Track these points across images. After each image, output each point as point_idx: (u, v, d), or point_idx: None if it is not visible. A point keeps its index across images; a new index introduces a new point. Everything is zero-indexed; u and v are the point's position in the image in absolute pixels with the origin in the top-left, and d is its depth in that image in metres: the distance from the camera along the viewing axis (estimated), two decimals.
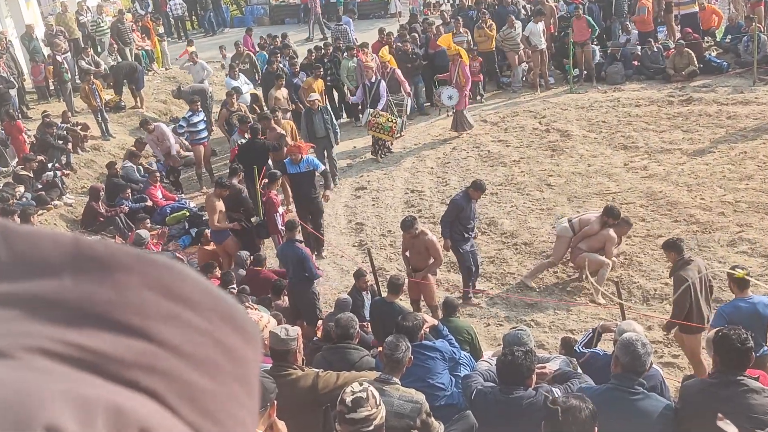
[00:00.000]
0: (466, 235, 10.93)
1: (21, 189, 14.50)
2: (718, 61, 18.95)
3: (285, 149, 13.74)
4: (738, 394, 4.78)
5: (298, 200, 13.25)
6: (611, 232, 10.77)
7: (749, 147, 14.33)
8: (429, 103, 19.44)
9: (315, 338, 8.84)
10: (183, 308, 0.64)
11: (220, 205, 12.21)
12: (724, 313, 7.37)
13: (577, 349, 6.60)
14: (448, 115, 17.66)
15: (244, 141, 14.40)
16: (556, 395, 4.97)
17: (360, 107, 18.24)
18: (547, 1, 21.04)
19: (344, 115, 19.86)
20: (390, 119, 16.35)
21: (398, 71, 17.62)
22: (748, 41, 18.40)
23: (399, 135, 17.06)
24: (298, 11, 31.11)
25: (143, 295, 0.64)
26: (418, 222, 10.46)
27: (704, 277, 8.30)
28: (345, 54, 19.71)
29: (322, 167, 13.44)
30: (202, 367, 0.63)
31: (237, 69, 18.83)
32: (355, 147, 17.63)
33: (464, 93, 16.78)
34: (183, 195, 16.28)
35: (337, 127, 15.59)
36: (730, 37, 19.80)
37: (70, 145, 17.05)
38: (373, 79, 16.91)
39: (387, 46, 18.54)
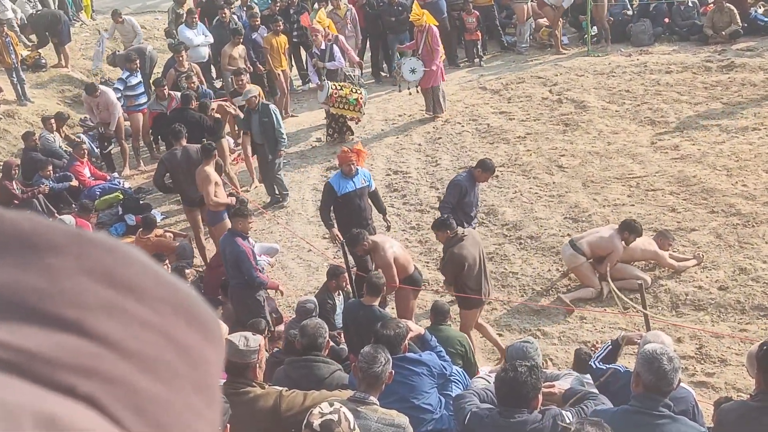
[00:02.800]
0: (467, 225, 10.83)
1: None
2: (766, 19, 19.04)
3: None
4: None
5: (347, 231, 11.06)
6: (622, 243, 10.84)
7: None
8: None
9: (276, 350, 8.84)
10: (128, 298, 0.64)
11: (215, 176, 12.28)
12: None
13: (592, 364, 6.63)
14: (410, 93, 17.36)
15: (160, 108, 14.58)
16: (567, 420, 5.00)
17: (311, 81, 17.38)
18: None
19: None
20: (355, 89, 16.04)
21: (342, 38, 17.37)
22: None
23: (363, 112, 16.57)
24: None
25: (79, 281, 0.63)
26: (367, 235, 10.12)
27: (481, 250, 9.77)
28: (316, 4, 19.67)
29: (374, 186, 12.15)
30: (151, 369, 0.63)
31: (195, 16, 18.62)
32: (325, 118, 17.60)
33: (436, 65, 16.49)
34: (116, 174, 16.20)
35: (283, 133, 14.24)
36: None
37: None
38: (323, 46, 16.46)
39: (322, 10, 18.11)
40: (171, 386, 0.63)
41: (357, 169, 11.52)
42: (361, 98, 15.93)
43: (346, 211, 11.44)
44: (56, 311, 0.62)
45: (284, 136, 14.30)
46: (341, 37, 17.34)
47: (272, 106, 14.50)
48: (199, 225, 13.23)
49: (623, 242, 10.75)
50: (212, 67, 18.75)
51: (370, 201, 11.71)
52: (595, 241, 10.91)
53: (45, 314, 0.61)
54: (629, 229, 10.75)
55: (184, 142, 13.03)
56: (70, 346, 0.61)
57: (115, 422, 0.60)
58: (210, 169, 12.22)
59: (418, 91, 16.96)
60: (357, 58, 17.90)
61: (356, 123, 16.61)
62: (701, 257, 11.14)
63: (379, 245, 10.03)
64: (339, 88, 15.71)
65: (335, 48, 16.48)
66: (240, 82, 15.13)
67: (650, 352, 5.05)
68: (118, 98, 16.49)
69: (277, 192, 14.55)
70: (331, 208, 11.46)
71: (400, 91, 17.52)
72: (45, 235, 0.64)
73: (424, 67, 16.29)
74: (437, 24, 16.80)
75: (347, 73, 16.76)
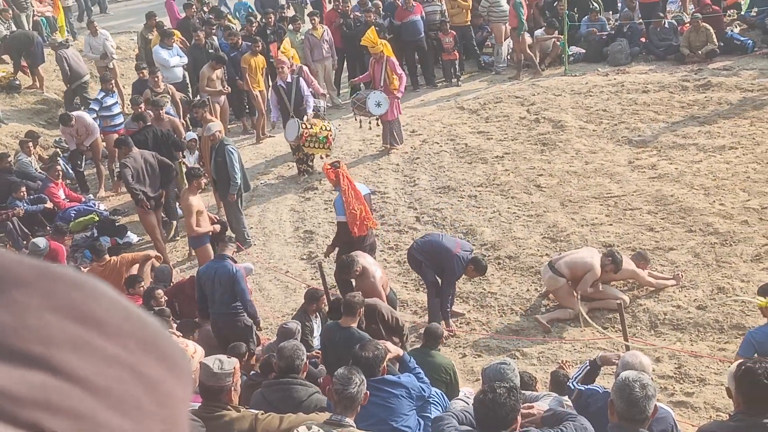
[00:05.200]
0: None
1: None
2: (742, 38, 19.21)
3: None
4: None
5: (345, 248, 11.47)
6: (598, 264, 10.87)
7: None
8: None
9: (253, 372, 8.80)
10: (95, 333, 0.64)
11: (199, 204, 12.35)
12: (754, 339, 7.47)
13: (570, 385, 6.63)
14: (370, 128, 16.77)
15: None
16: None
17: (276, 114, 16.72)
18: None
19: None
20: (324, 127, 15.46)
21: (306, 69, 17.15)
22: None
23: (332, 148, 16.03)
24: None
25: (45, 317, 0.63)
26: (358, 261, 10.15)
27: None
28: (291, 25, 19.74)
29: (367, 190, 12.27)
30: (118, 405, 0.62)
31: (173, 38, 18.60)
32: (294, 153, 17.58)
33: (395, 98, 16.15)
34: (91, 195, 16.13)
35: (237, 176, 13.39)
36: (756, 9, 20.09)
37: None
38: (288, 79, 15.82)
39: (287, 39, 17.85)
40: (138, 422, 0.63)
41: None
42: (331, 135, 15.48)
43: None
44: (22, 347, 0.61)
45: (236, 180, 13.39)
46: (305, 68, 17.17)
47: (229, 147, 13.55)
48: (155, 225, 13.49)
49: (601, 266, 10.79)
50: (188, 87, 18.73)
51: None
52: (575, 262, 10.93)
53: (10, 350, 0.61)
54: (613, 259, 10.76)
55: (135, 150, 13.30)
56: (35, 382, 0.60)
57: None
58: (193, 197, 12.26)
59: (378, 124, 16.53)
60: (321, 90, 17.72)
61: (323, 157, 15.77)
62: (680, 277, 11.19)
63: (368, 271, 10.12)
64: (309, 126, 15.20)
65: (302, 83, 15.96)
66: (198, 114, 14.92)
67: (623, 379, 5.05)
68: (94, 118, 16.46)
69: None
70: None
71: (360, 126, 16.84)
72: (11, 270, 0.64)
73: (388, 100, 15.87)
74: (393, 54, 16.46)
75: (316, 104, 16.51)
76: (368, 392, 5.75)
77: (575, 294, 10.87)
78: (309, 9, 23.31)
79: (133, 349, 0.65)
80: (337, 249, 11.77)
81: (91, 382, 0.62)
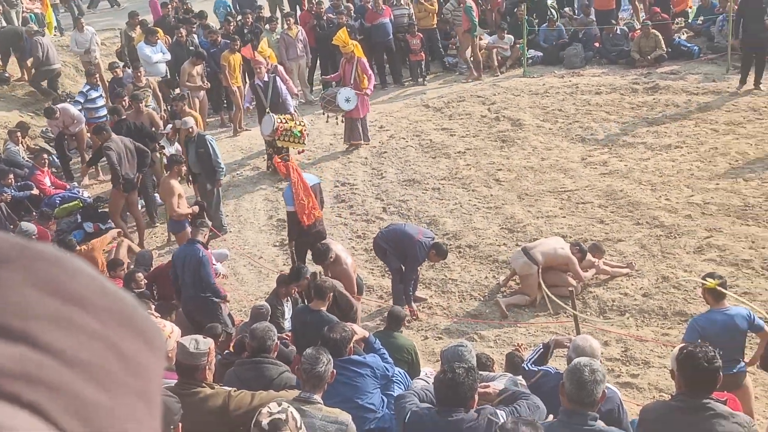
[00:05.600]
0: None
1: None
2: (689, 45, 19.35)
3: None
4: (704, 419, 4.87)
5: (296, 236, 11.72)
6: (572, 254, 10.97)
7: (720, 142, 14.67)
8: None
9: (226, 351, 8.76)
10: (73, 308, 0.63)
11: (179, 188, 12.36)
12: (698, 325, 7.50)
13: (525, 366, 6.66)
14: (336, 123, 16.61)
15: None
16: (501, 419, 5.02)
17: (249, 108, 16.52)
18: None
19: None
20: (299, 122, 15.22)
21: (281, 68, 17.04)
22: (722, 23, 18.82)
23: (306, 143, 15.80)
24: None
25: (25, 292, 0.62)
26: (332, 249, 10.30)
27: None
28: (267, 25, 19.68)
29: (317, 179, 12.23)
30: (95, 377, 0.62)
31: (157, 35, 18.47)
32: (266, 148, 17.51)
33: (364, 95, 16.07)
34: (75, 183, 16.02)
35: (221, 163, 13.71)
36: (702, 18, 20.24)
37: None
38: (265, 78, 15.55)
39: (265, 39, 17.80)
40: (114, 394, 0.62)
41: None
42: (305, 130, 15.27)
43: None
44: (2, 321, 0.60)
45: (222, 167, 13.72)
46: (280, 68, 17.06)
47: (209, 137, 13.84)
48: (120, 207, 13.67)
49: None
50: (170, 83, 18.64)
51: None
52: (549, 254, 10.94)
53: None
54: (580, 248, 11.02)
55: (114, 135, 13.30)
56: (15, 355, 0.59)
57: (58, 429, 0.59)
58: (174, 181, 12.33)
59: (342, 121, 16.36)
60: (295, 89, 17.56)
61: (299, 152, 15.70)
62: (633, 265, 11.29)
63: (341, 258, 10.26)
64: (284, 121, 14.93)
65: (278, 81, 15.70)
66: (177, 107, 14.97)
67: (574, 364, 5.03)
68: (80, 110, 16.36)
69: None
70: None
71: (327, 121, 16.62)
72: None
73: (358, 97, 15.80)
74: (364, 56, 16.41)
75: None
76: (335, 371, 5.75)
77: (539, 281, 10.87)
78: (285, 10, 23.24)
79: (110, 324, 0.64)
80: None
81: (69, 355, 0.61)
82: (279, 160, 11.80)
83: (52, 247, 0.67)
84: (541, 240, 11.58)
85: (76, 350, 0.62)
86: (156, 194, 14.40)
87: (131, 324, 0.66)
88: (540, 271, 10.85)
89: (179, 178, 12.62)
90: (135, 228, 14.03)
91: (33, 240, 0.65)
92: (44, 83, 19.59)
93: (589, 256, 11.11)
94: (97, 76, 17.31)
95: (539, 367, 6.46)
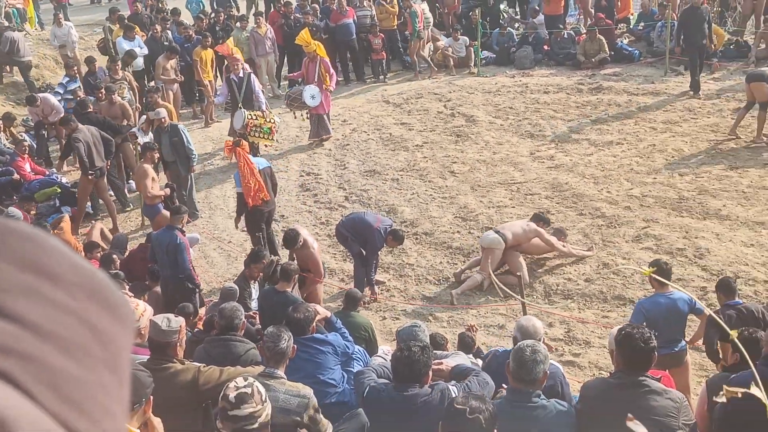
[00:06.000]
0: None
1: None
2: (630, 48, 19.56)
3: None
4: (639, 395, 4.93)
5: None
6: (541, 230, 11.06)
7: (658, 140, 14.83)
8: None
9: (196, 329, 8.72)
10: (45, 282, 0.62)
11: (152, 172, 12.33)
12: (643, 308, 7.66)
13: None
14: (303, 120, 16.55)
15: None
16: (453, 394, 5.04)
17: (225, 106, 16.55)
18: None
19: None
20: (269, 119, 14.96)
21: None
22: (661, 29, 19.02)
23: (276, 139, 15.82)
24: None
25: None
26: (301, 234, 10.28)
27: None
28: (238, 23, 19.55)
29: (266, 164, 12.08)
30: (66, 349, 0.61)
31: (134, 30, 18.26)
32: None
33: (327, 93, 16.01)
34: (54, 169, 15.83)
35: (193, 150, 13.73)
36: (643, 24, 20.44)
37: None
38: (240, 74, 15.28)
39: (230, 39, 17.36)
40: (84, 365, 0.62)
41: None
42: (275, 127, 15.05)
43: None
44: None
45: (194, 153, 13.75)
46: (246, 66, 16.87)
47: (181, 126, 13.85)
48: (89, 192, 13.67)
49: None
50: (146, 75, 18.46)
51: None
52: (519, 232, 10.99)
53: None
54: (543, 220, 11.25)
55: (80, 126, 13.20)
56: None
57: (30, 397, 0.58)
58: (148, 166, 12.35)
59: (308, 117, 16.31)
60: (260, 86, 17.39)
61: (267, 147, 15.75)
62: (593, 249, 11.39)
63: (308, 242, 10.27)
64: (254, 117, 14.67)
65: (253, 78, 15.50)
66: (151, 98, 14.88)
67: (519, 345, 5.09)
68: (59, 101, 16.20)
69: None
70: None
71: (295, 117, 16.48)
72: None
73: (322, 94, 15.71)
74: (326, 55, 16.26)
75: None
76: (296, 347, 5.75)
77: (489, 272, 10.84)
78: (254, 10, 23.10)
79: (81, 297, 0.63)
80: (243, 217, 11.73)
81: (40, 327, 0.60)
82: (230, 144, 11.73)
83: (25, 224, 0.65)
84: (508, 222, 11.68)
85: (48, 322, 0.61)
86: (130, 181, 14.36)
87: (102, 298, 0.65)
88: (503, 250, 10.92)
89: (152, 164, 12.53)
90: (107, 214, 13.92)
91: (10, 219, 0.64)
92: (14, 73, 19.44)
93: (554, 240, 11.17)
94: (75, 68, 17.15)
95: (491, 349, 6.49)
